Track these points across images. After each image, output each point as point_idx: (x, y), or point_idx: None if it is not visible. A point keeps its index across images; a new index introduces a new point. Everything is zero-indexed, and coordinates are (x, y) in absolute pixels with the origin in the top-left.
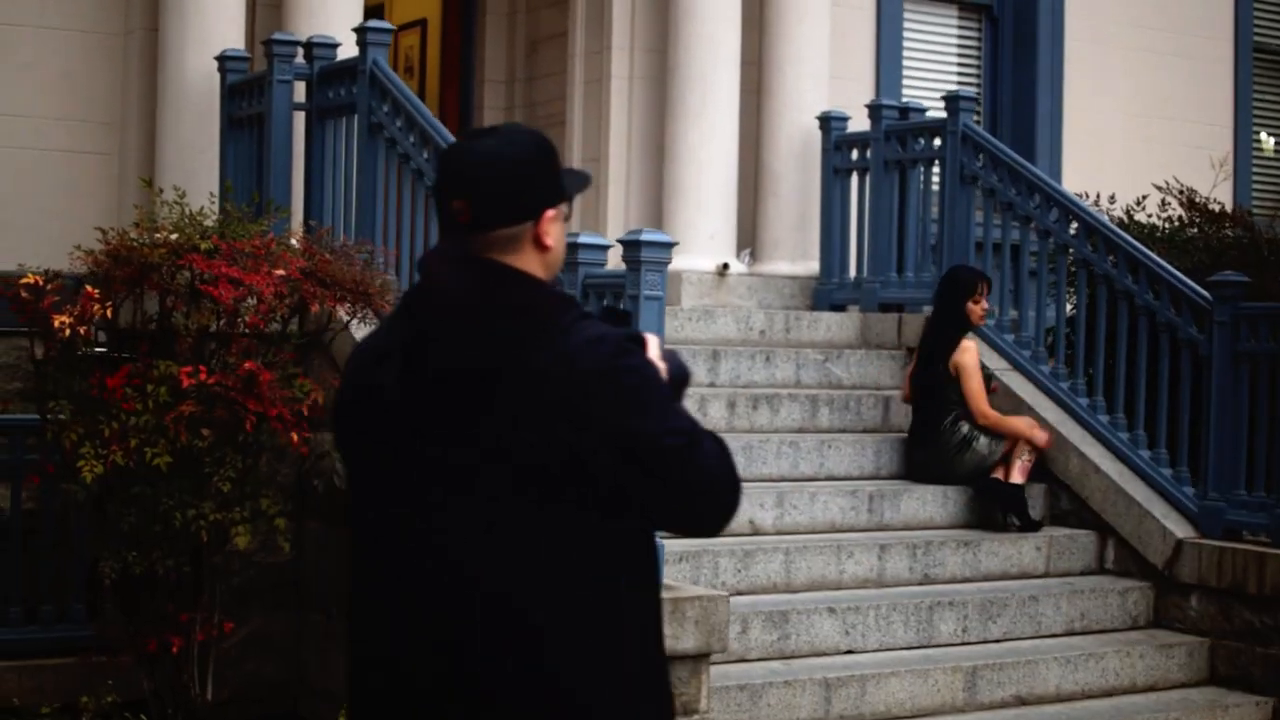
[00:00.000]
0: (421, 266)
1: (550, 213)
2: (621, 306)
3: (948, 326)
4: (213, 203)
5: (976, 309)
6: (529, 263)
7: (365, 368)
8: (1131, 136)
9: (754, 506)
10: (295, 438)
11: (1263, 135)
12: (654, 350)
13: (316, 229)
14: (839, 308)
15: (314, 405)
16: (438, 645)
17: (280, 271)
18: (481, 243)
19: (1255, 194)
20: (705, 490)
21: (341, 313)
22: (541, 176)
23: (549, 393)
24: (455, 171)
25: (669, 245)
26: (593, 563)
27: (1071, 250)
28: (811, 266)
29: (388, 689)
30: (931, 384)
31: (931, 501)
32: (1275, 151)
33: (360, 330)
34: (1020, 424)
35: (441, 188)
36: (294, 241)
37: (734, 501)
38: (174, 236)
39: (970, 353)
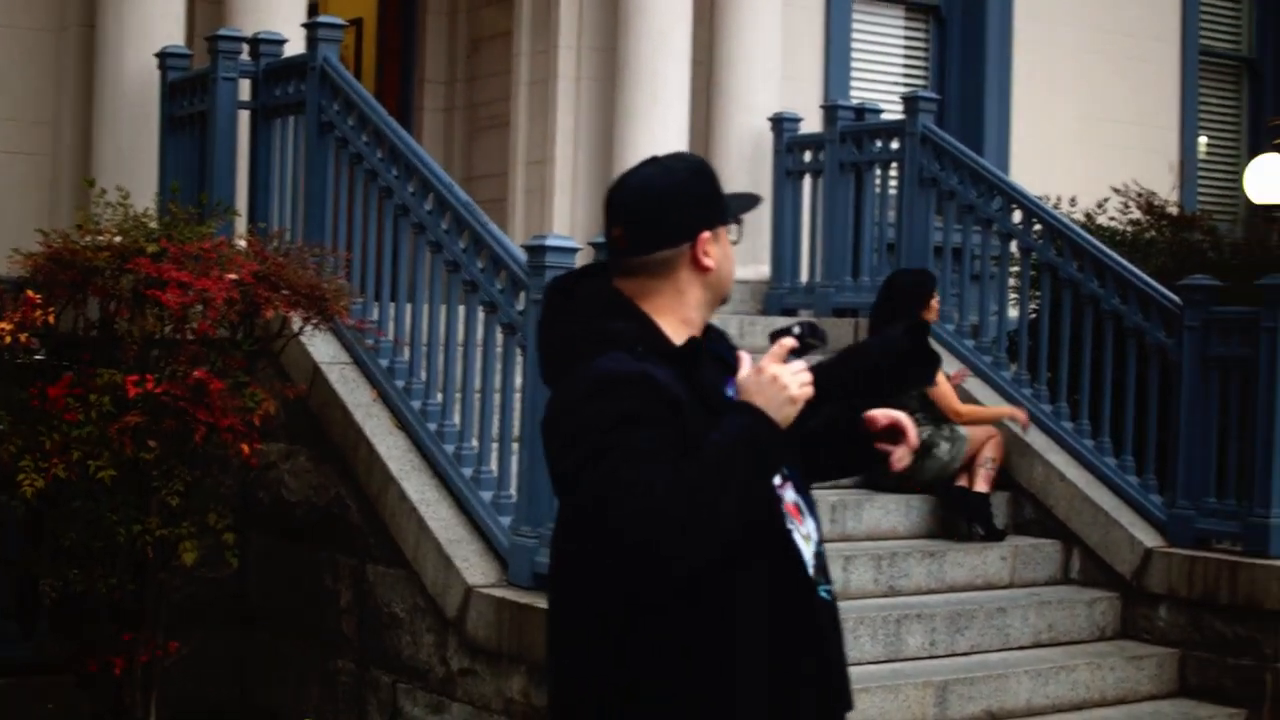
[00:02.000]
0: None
1: (706, 234)
2: None
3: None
4: (155, 204)
5: (931, 312)
6: (683, 283)
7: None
8: (1079, 139)
9: None
10: (246, 449)
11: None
12: (775, 356)
13: (267, 231)
14: (791, 312)
15: (265, 415)
16: None
17: (232, 275)
18: (637, 266)
19: (1201, 197)
20: (609, 541)
21: (295, 319)
22: (694, 200)
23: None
24: (612, 201)
25: (573, 251)
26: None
27: (1034, 254)
28: (763, 270)
29: None
30: None
31: (894, 511)
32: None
33: (314, 337)
34: (997, 411)
35: (606, 217)
36: (242, 244)
37: (652, 549)
38: (118, 239)
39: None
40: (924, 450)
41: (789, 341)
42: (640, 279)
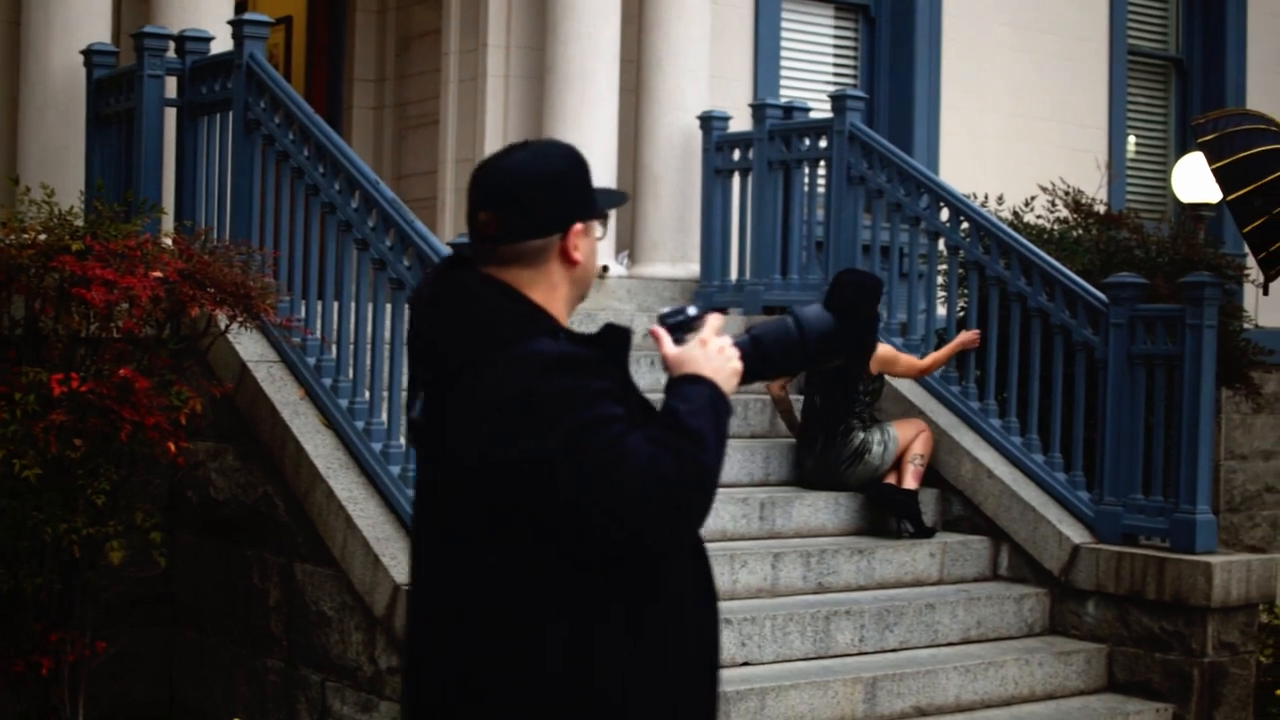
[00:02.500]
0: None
1: (578, 227)
2: None
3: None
4: (81, 202)
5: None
6: (555, 276)
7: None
8: (1008, 138)
9: None
10: (173, 448)
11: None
12: (712, 329)
13: (193, 229)
14: (721, 310)
15: (191, 414)
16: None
17: (157, 273)
18: (508, 255)
19: (1129, 196)
20: (618, 509)
21: (221, 317)
22: (569, 191)
23: (474, 410)
24: (481, 185)
25: None
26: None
27: (962, 252)
28: (692, 269)
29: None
30: (832, 388)
31: (824, 508)
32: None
33: (240, 335)
34: (950, 347)
35: (470, 202)
36: (168, 242)
37: (666, 511)
38: (43, 237)
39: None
40: (858, 455)
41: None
42: (513, 269)
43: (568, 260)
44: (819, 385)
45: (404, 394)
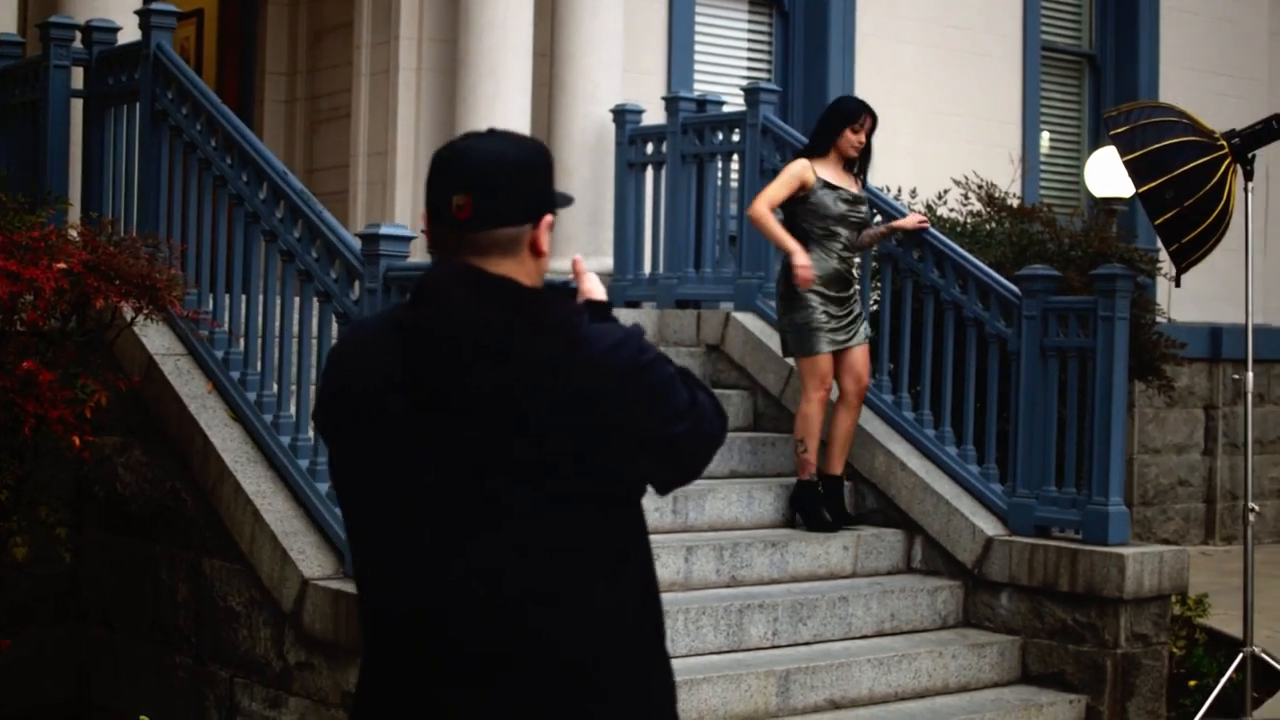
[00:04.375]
0: (429, 287)
1: (549, 219)
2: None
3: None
4: None
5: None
6: (524, 269)
7: (365, 385)
8: (922, 133)
9: None
10: (77, 441)
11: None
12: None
13: (99, 220)
14: (634, 305)
15: (97, 407)
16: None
17: (61, 265)
18: (485, 243)
19: (1042, 191)
20: (706, 455)
21: (127, 309)
22: (543, 180)
23: (584, 403)
24: (456, 168)
25: (408, 239)
26: (608, 552)
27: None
28: (605, 263)
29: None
30: None
31: (737, 502)
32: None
33: (147, 327)
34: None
35: (439, 185)
36: (74, 234)
37: (720, 443)
38: None
39: None
40: None
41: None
42: (493, 259)
43: (536, 252)
44: None
45: (313, 386)
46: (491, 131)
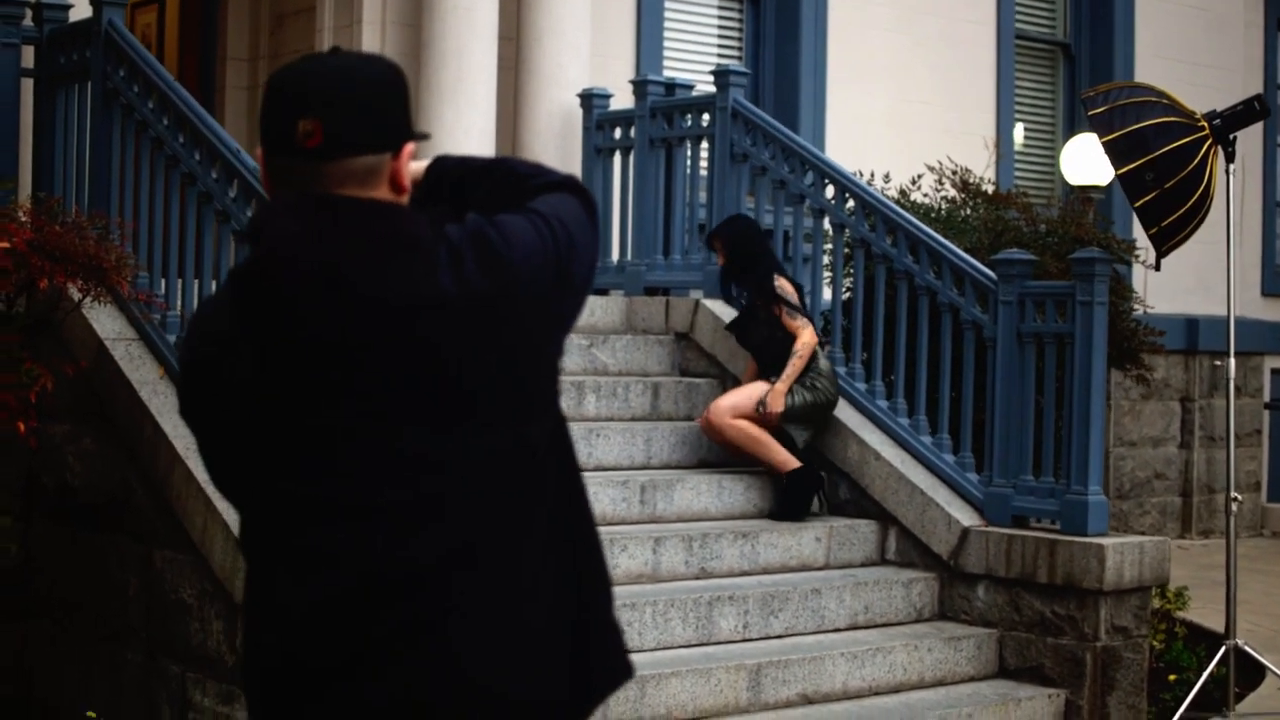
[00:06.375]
0: (262, 226)
1: (410, 147)
2: None
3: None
4: None
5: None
6: None
7: (213, 351)
8: (895, 120)
9: None
10: (22, 427)
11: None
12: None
13: (45, 200)
14: (602, 292)
15: (45, 393)
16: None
17: (4, 245)
18: (337, 174)
19: (1017, 180)
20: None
21: (74, 290)
22: (402, 103)
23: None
24: (300, 90)
25: None
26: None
27: (848, 229)
28: None
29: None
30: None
31: (706, 492)
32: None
33: (95, 310)
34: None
35: (279, 111)
36: (21, 214)
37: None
38: None
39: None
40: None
41: None
42: (350, 189)
43: (398, 187)
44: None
45: None
46: (336, 49)
